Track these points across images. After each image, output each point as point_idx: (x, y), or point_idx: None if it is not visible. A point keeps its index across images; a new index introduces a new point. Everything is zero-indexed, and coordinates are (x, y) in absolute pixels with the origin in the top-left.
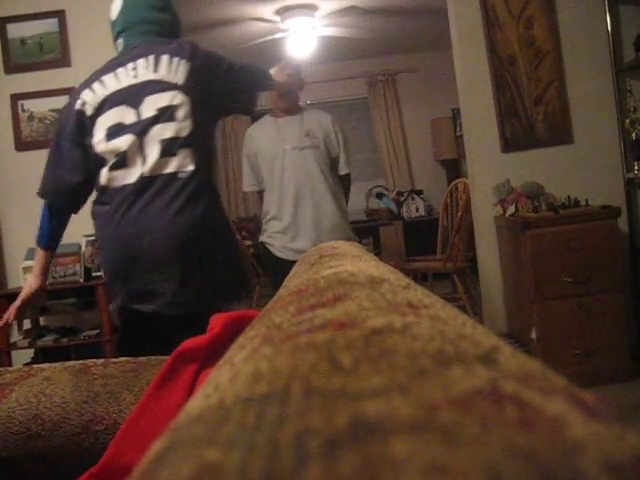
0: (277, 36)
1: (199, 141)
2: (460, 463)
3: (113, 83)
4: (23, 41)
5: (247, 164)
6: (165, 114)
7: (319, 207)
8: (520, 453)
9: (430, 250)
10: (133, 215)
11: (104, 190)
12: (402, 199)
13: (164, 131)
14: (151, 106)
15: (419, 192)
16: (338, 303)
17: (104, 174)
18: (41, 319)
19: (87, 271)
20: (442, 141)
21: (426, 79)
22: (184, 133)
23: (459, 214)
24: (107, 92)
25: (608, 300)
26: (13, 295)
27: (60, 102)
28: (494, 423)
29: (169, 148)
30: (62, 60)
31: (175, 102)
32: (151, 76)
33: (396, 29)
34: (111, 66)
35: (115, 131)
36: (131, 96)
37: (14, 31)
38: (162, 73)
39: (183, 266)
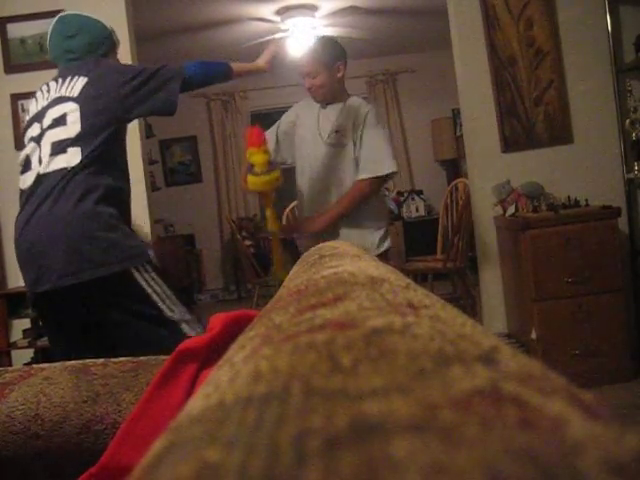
0: (277, 36)
1: (88, 141)
2: (460, 463)
3: (33, 107)
4: (23, 41)
5: (275, 129)
6: (58, 121)
7: None
8: (520, 453)
9: (430, 250)
10: (27, 210)
11: (21, 194)
12: (402, 199)
13: (56, 134)
14: (49, 117)
15: (419, 192)
16: (338, 303)
17: (20, 179)
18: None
19: None
20: (442, 141)
21: (426, 79)
22: (73, 134)
23: (459, 214)
24: (29, 116)
25: (608, 300)
26: (13, 295)
27: None
28: (494, 423)
29: (59, 147)
30: None
31: (67, 110)
32: (55, 95)
33: (396, 29)
34: (37, 91)
35: (27, 142)
36: (41, 115)
37: (14, 31)
38: (62, 91)
39: (65, 246)
